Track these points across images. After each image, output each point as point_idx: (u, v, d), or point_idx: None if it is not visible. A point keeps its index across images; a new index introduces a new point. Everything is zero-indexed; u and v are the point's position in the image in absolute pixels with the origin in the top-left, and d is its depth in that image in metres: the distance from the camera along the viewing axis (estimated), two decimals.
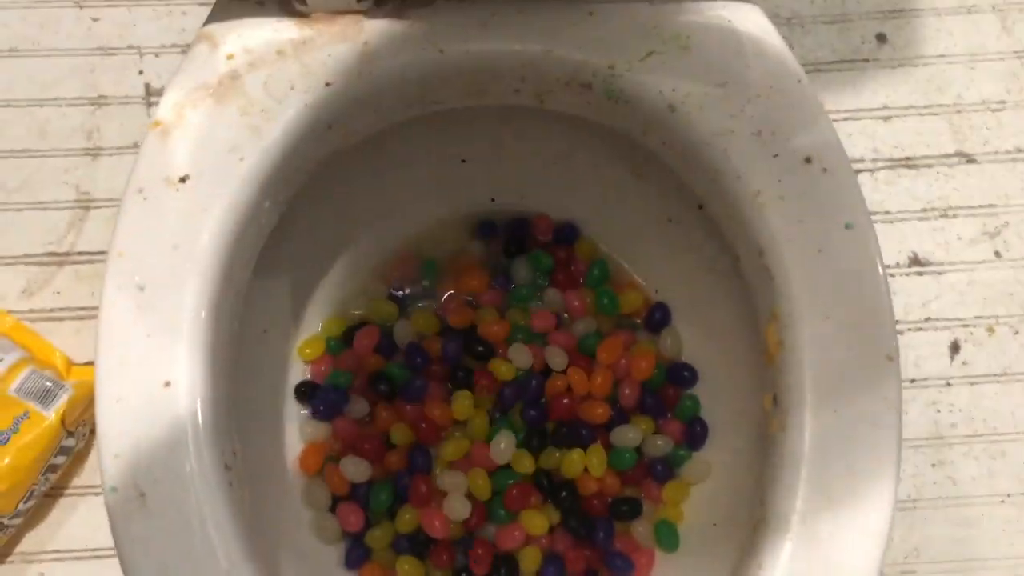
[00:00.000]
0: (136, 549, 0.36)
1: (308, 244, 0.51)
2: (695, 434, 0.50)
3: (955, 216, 0.69)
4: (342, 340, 0.52)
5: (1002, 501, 0.63)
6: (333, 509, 0.49)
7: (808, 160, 0.41)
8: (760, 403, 0.47)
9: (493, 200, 0.55)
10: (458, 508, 0.47)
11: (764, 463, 0.40)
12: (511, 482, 0.48)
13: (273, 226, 0.44)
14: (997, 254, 0.68)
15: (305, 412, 0.51)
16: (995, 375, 0.65)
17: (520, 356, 0.50)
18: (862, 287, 0.39)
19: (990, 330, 0.67)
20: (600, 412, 0.50)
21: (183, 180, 0.40)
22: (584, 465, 0.49)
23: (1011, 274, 0.68)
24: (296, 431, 0.51)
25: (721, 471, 0.50)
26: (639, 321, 0.53)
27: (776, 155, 0.41)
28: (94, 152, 0.64)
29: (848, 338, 0.39)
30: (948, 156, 0.70)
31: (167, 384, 0.38)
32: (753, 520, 0.39)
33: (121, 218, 0.40)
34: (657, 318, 0.52)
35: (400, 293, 0.54)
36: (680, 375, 0.51)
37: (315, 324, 0.53)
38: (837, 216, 0.40)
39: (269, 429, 0.50)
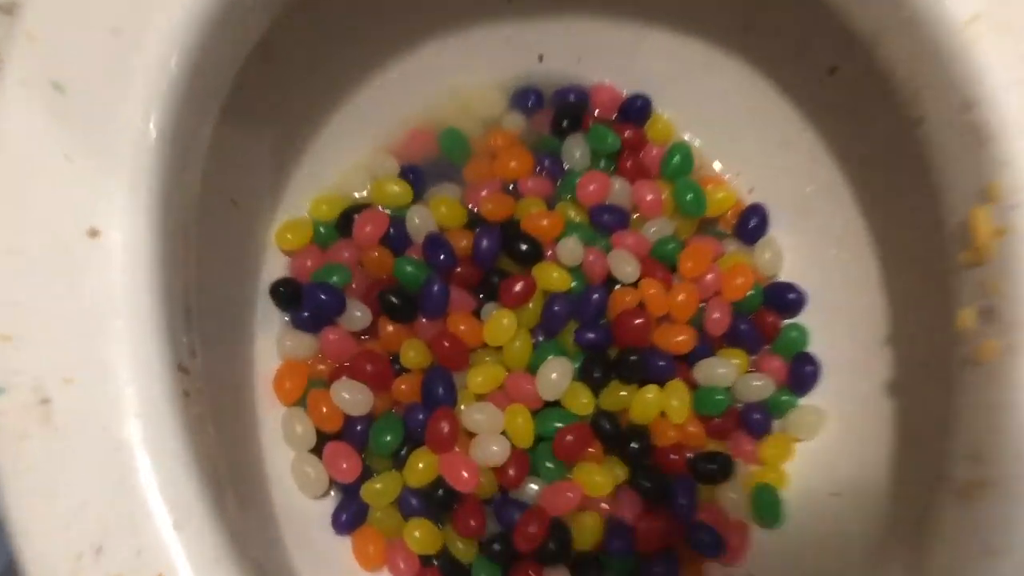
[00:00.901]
0: (30, 485, 0.23)
1: (297, 90, 0.38)
2: (803, 374, 0.38)
3: None
4: (336, 227, 0.39)
5: None
6: (319, 451, 0.36)
7: None
8: (905, 330, 0.35)
9: (541, 58, 0.41)
10: (492, 451, 0.34)
11: (972, 403, 0.28)
12: (562, 425, 0.36)
13: (258, 35, 0.30)
14: None
15: (285, 319, 0.38)
16: None
17: (572, 254, 0.37)
18: None
19: None
20: (683, 339, 0.37)
21: None
22: (661, 407, 0.36)
23: None
24: (272, 343, 0.37)
25: (840, 426, 0.38)
26: (727, 231, 0.41)
27: None
28: None
29: None
30: None
31: (93, 233, 0.25)
32: (956, 484, 0.27)
33: None
34: (753, 224, 0.40)
35: (413, 176, 0.40)
36: (783, 297, 0.39)
37: (300, 203, 0.39)
38: None
39: (234, 337, 0.36)
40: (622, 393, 0.37)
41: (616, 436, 0.36)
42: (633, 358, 0.37)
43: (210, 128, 0.29)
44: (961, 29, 0.28)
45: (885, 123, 0.35)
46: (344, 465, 0.35)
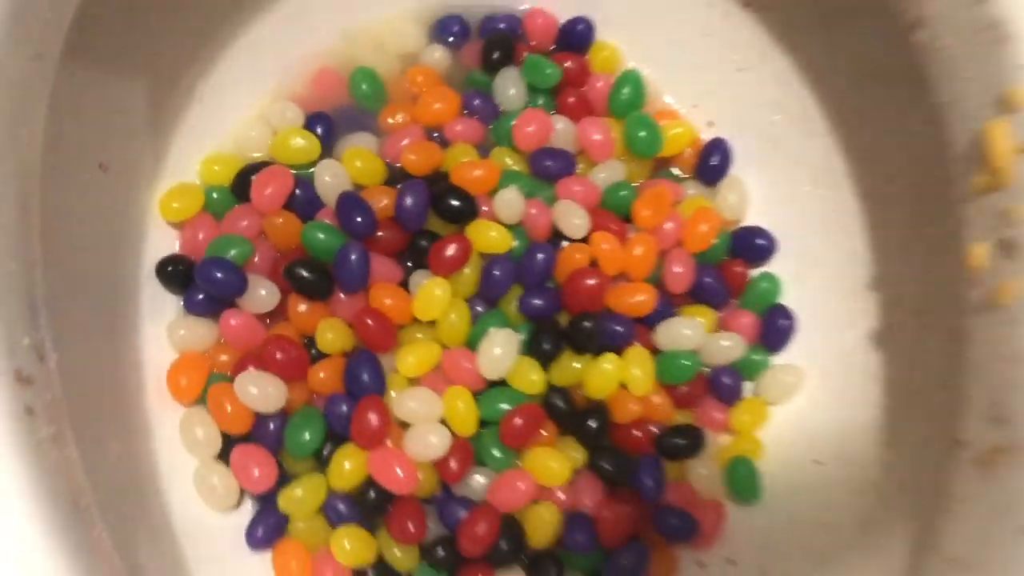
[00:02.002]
0: None
1: (173, 30, 0.32)
2: (776, 330, 0.34)
3: None
4: (232, 190, 0.33)
5: None
6: (226, 457, 0.30)
7: None
8: (894, 273, 0.31)
9: None
10: (429, 443, 0.30)
11: (989, 355, 0.23)
12: (510, 407, 0.31)
13: None
14: None
15: (179, 304, 0.32)
16: None
17: (511, 208, 0.32)
18: None
19: None
20: (641, 299, 0.33)
21: None
22: (620, 379, 0.32)
23: None
24: (163, 333, 0.32)
25: (820, 385, 0.33)
26: (686, 172, 0.36)
27: None
28: None
29: None
30: None
31: None
32: (977, 450, 0.23)
33: None
34: (714, 163, 0.35)
35: (320, 129, 0.34)
36: (751, 244, 0.35)
37: (187, 165, 0.33)
38: None
39: (113, 328, 0.30)
40: (576, 365, 0.32)
41: (571, 415, 0.32)
42: (586, 324, 0.32)
43: (49, 71, 0.23)
44: None
45: (869, 33, 0.30)
46: (256, 472, 0.30)
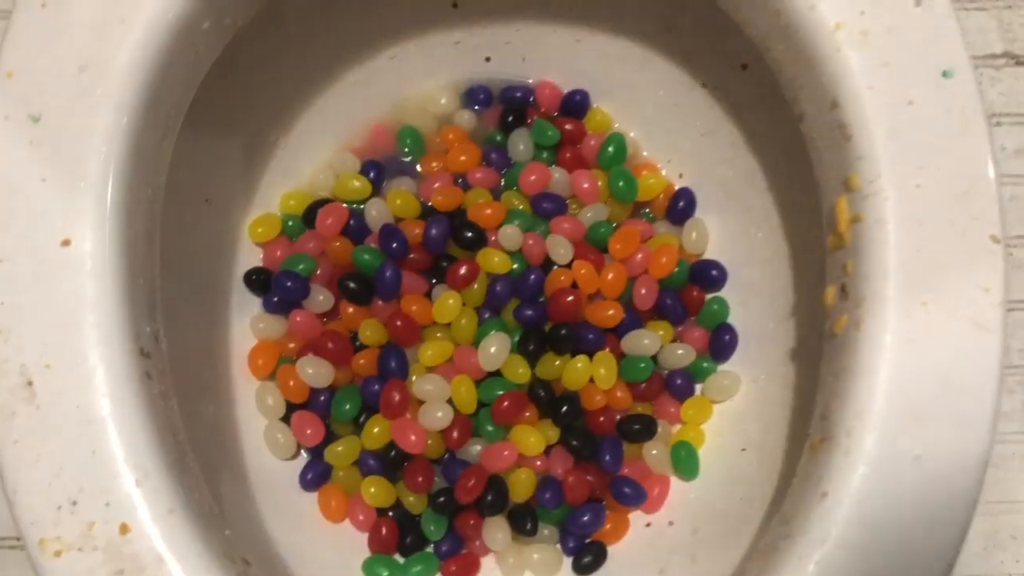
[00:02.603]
0: (19, 453, 0.28)
1: (261, 96, 0.42)
2: (722, 343, 0.42)
3: (999, 124, 0.61)
4: (303, 220, 0.43)
5: None
6: (288, 419, 0.41)
7: None
8: (809, 305, 0.39)
9: (488, 60, 0.45)
10: (437, 417, 0.39)
11: (827, 371, 0.32)
12: (502, 392, 0.40)
13: (215, 57, 0.35)
14: None
15: (260, 304, 0.43)
16: None
17: (512, 239, 0.42)
18: (962, 149, 0.31)
19: None
20: (611, 314, 0.41)
21: None
22: (590, 375, 0.41)
23: None
24: (247, 326, 0.42)
25: (752, 389, 0.42)
26: (654, 214, 0.45)
27: None
28: None
29: (943, 213, 0.30)
30: (995, 57, 0.61)
31: (66, 243, 0.30)
32: (811, 439, 0.31)
33: (12, 28, 0.31)
34: (681, 207, 0.44)
35: (372, 174, 0.44)
36: (706, 274, 0.43)
37: (270, 199, 0.44)
38: (933, 60, 0.31)
39: (212, 321, 0.41)
40: (556, 363, 0.41)
41: (550, 401, 0.41)
42: (564, 332, 0.41)
43: (171, 144, 0.34)
44: (828, 36, 0.32)
45: (788, 117, 0.38)
46: (309, 431, 0.40)
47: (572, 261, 0.42)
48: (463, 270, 0.41)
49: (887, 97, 0.31)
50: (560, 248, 0.42)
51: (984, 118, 0.31)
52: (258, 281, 0.42)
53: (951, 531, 0.28)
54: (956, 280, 0.30)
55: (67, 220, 0.30)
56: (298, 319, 0.42)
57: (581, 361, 0.41)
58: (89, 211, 0.30)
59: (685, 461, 0.41)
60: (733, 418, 0.41)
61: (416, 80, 0.45)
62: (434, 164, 0.45)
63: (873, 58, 0.32)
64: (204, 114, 0.38)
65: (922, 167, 0.31)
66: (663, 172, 0.45)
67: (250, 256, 0.43)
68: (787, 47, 0.34)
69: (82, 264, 0.29)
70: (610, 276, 0.42)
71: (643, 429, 0.41)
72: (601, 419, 0.41)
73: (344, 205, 0.43)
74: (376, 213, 0.42)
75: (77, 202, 0.30)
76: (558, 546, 0.41)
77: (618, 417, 0.41)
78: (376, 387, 0.40)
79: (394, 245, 0.41)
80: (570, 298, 0.41)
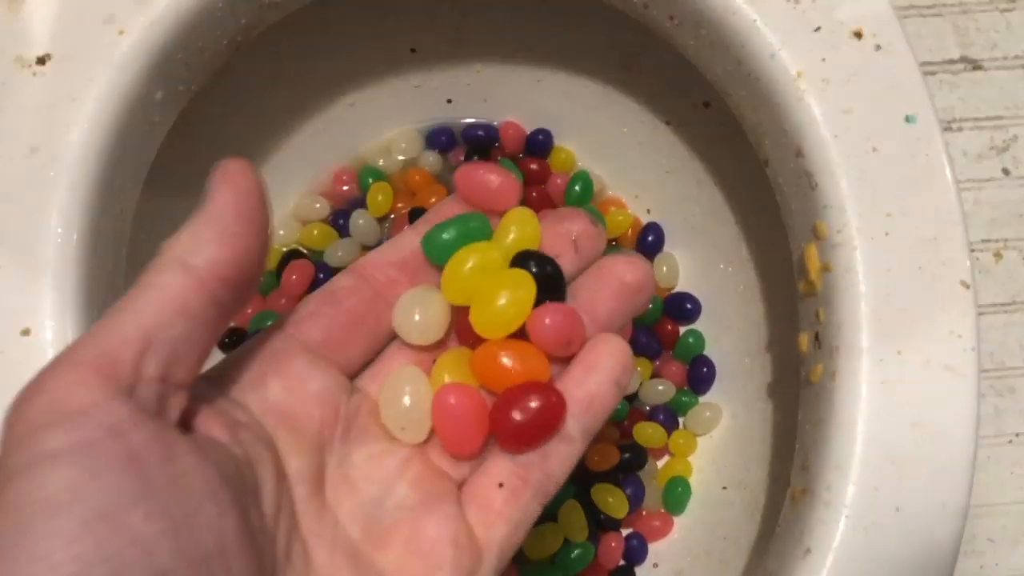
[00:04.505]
0: None
1: (218, 153, 0.41)
2: (701, 375, 0.42)
3: (959, 129, 0.61)
4: (276, 275, 0.43)
5: (1010, 441, 0.56)
6: None
7: (858, 35, 0.32)
8: (784, 339, 0.39)
9: (449, 101, 0.45)
10: None
11: (805, 419, 0.32)
12: None
13: (170, 125, 0.34)
14: (1005, 171, 0.61)
15: None
16: (1002, 304, 0.59)
17: None
18: (928, 195, 0.31)
19: (997, 255, 0.60)
20: None
21: (42, 61, 0.31)
22: None
23: (1021, 193, 0.61)
24: None
25: (731, 425, 0.42)
26: (628, 249, 0.45)
27: (818, 28, 0.32)
28: None
29: (913, 259, 0.30)
30: (952, 62, 0.62)
31: (25, 332, 0.29)
32: (793, 489, 0.31)
33: None
34: (650, 241, 0.44)
35: (343, 219, 0.44)
36: (680, 307, 0.43)
37: None
38: (895, 106, 0.32)
39: None
40: None
41: None
42: None
43: (130, 214, 0.33)
44: (790, 85, 0.32)
45: (753, 153, 0.38)
46: None
47: None
48: None
49: (851, 145, 0.31)
50: None
51: (949, 163, 0.31)
52: (232, 344, 0.42)
53: None
54: (928, 327, 0.30)
55: (26, 308, 0.29)
56: None
57: None
58: (48, 298, 0.29)
59: (677, 497, 0.41)
60: (713, 454, 0.41)
61: (377, 126, 0.45)
62: (399, 206, 0.44)
63: (836, 106, 0.31)
64: (162, 177, 0.37)
65: (889, 214, 0.31)
66: (630, 209, 0.45)
67: None
68: (748, 94, 0.33)
69: (43, 354, 0.28)
70: None
71: (633, 459, 0.41)
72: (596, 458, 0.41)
73: (309, 260, 0.42)
74: (342, 253, 0.42)
75: (35, 289, 0.29)
76: None
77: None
78: None
79: None
80: None
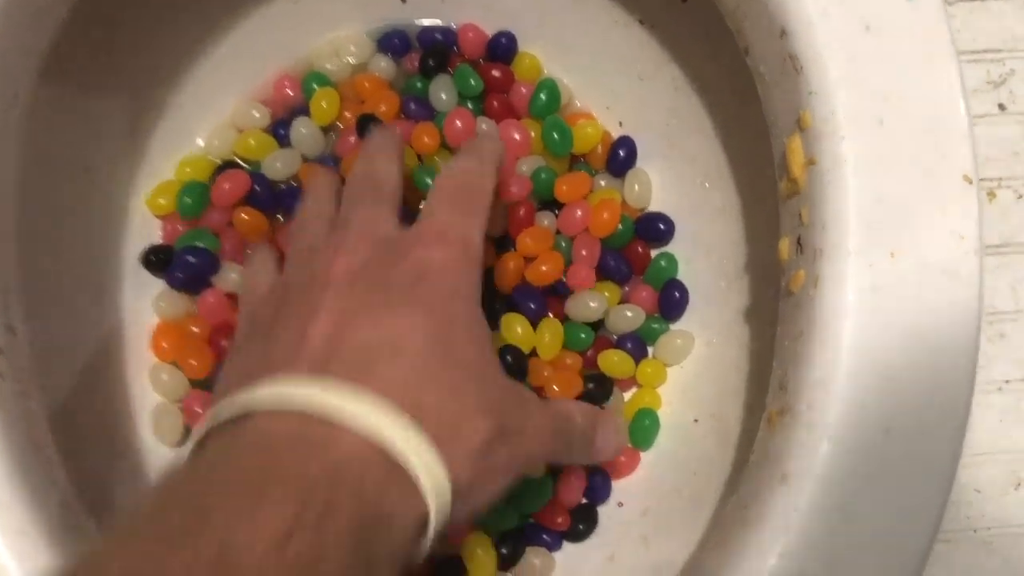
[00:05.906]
0: None
1: (144, 49, 0.37)
2: (672, 301, 0.39)
3: None
4: (206, 188, 0.39)
5: (999, 388, 0.53)
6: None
7: None
8: (764, 261, 0.36)
9: (404, 1, 0.41)
10: None
11: (784, 334, 0.28)
12: None
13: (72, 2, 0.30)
14: (1001, 107, 0.57)
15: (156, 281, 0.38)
16: (995, 246, 0.55)
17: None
18: (928, 80, 0.27)
19: (991, 194, 0.56)
20: (546, 269, 0.38)
21: None
22: (532, 344, 0.37)
23: (1017, 130, 0.57)
24: (146, 304, 0.38)
25: (704, 354, 0.38)
26: (592, 167, 0.41)
27: None
28: None
29: (909, 151, 0.27)
30: None
31: None
32: (769, 411, 0.28)
33: None
34: (621, 157, 0.40)
35: (283, 132, 0.40)
36: (653, 228, 0.40)
37: (165, 167, 0.39)
38: None
39: (100, 303, 0.37)
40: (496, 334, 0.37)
41: None
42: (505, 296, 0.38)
43: (21, 113, 0.29)
44: None
45: (733, 52, 0.34)
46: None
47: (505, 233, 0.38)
48: None
49: (842, 23, 0.28)
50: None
51: (952, 45, 0.28)
52: (158, 262, 0.38)
53: (926, 516, 0.25)
54: (925, 226, 0.26)
55: None
56: (209, 300, 0.37)
57: (520, 324, 0.37)
58: None
59: (645, 430, 0.37)
60: (683, 386, 0.38)
61: (323, 26, 0.41)
62: (347, 114, 0.40)
63: None
64: (73, 73, 0.34)
65: (884, 100, 0.27)
66: (600, 121, 0.41)
67: (145, 230, 0.39)
68: None
69: None
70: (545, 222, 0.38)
71: (598, 390, 0.38)
72: (555, 387, 0.37)
73: (244, 172, 0.38)
74: (281, 166, 0.38)
75: None
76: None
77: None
78: None
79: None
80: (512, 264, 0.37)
